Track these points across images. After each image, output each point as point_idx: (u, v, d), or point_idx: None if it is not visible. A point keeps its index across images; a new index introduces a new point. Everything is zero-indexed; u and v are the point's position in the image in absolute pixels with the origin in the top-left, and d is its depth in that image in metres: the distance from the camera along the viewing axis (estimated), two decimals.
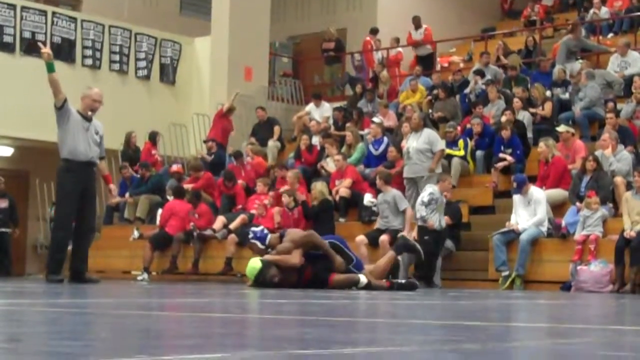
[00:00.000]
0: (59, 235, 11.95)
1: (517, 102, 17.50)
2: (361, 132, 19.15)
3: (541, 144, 15.21)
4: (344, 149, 17.97)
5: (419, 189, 15.43)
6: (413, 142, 15.60)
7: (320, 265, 11.36)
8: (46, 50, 11.77)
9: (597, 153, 14.79)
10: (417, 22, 23.27)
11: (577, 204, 14.13)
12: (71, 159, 11.70)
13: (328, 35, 24.26)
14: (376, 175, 16.15)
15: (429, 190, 14.03)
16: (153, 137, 20.13)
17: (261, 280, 11.29)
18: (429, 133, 15.77)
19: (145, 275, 16.37)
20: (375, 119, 18.76)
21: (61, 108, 11.90)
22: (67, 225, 11.81)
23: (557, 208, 14.74)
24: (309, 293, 9.80)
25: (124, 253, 18.15)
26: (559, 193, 14.89)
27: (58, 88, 11.80)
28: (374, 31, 23.87)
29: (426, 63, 22.76)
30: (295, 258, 11.26)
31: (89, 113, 11.84)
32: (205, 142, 20.61)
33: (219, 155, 19.65)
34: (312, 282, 11.33)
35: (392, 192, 15.09)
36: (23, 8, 20.55)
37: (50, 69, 11.65)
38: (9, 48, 20.22)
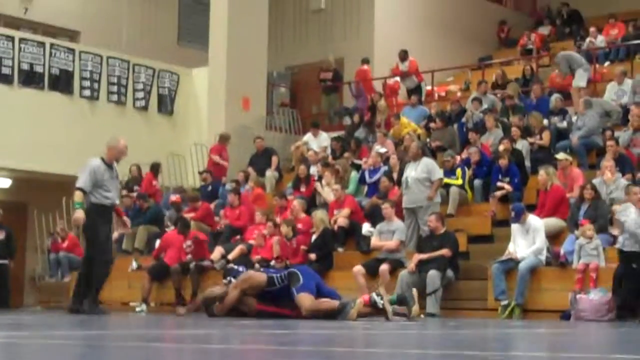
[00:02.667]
0: (101, 272, 12.95)
1: (515, 131, 17.53)
2: (358, 161, 19.18)
3: (542, 172, 15.19)
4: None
5: (418, 218, 15.46)
6: (411, 172, 15.62)
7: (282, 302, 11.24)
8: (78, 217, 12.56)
9: (595, 181, 14.80)
10: (402, 56, 23.28)
11: (576, 232, 14.13)
12: (102, 204, 12.65)
13: (326, 64, 24.31)
14: (372, 206, 16.23)
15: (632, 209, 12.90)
16: (155, 168, 20.11)
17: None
18: (427, 162, 15.79)
19: (144, 307, 16.32)
20: (379, 149, 18.82)
21: (88, 192, 12.68)
22: (106, 262, 12.98)
23: (554, 237, 14.73)
24: (308, 323, 9.78)
25: (122, 284, 18.09)
26: (556, 222, 14.88)
27: (82, 199, 12.62)
28: (366, 61, 23.93)
29: (415, 95, 22.72)
30: (230, 294, 11.41)
31: (115, 163, 12.92)
32: (200, 173, 20.66)
33: (214, 187, 19.68)
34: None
35: (397, 223, 15.18)
36: (21, 40, 20.64)
37: (81, 205, 12.58)
38: (7, 79, 20.28)
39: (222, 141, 20.76)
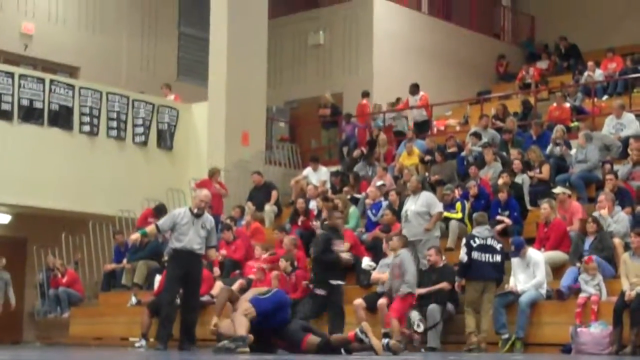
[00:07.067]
0: (165, 311, 14.21)
1: (517, 164, 17.52)
2: (358, 196, 19.18)
3: (545, 205, 15.16)
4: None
5: (417, 252, 15.42)
6: (411, 205, 15.62)
7: (289, 329, 11.33)
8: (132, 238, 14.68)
9: (596, 214, 14.79)
10: (413, 90, 23.37)
11: (578, 264, 14.10)
12: (174, 247, 13.80)
13: (323, 102, 24.37)
14: (373, 240, 16.22)
15: None
16: (159, 210, 19.58)
17: None
18: (427, 196, 15.80)
19: (143, 342, 16.22)
20: (378, 182, 18.83)
21: (161, 231, 14.53)
22: (172, 302, 14.08)
23: (557, 270, 14.71)
24: (308, 357, 9.75)
25: (121, 319, 18.04)
26: (559, 255, 14.87)
27: (152, 233, 14.60)
28: (366, 94, 24.04)
29: (422, 128, 22.84)
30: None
31: (196, 210, 13.78)
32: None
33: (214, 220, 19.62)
34: (288, 348, 11.32)
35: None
36: (21, 76, 20.66)
37: (144, 234, 14.58)
38: (7, 116, 20.26)
39: (210, 176, 20.55)
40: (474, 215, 15.38)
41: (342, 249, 14.17)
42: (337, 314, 14.08)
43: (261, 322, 11.15)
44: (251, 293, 11.71)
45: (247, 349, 10.77)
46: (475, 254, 14.13)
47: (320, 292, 14.09)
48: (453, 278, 14.58)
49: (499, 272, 14.25)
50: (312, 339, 11.12)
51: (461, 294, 14.61)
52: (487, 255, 14.12)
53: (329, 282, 14.04)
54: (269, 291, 11.64)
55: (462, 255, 14.24)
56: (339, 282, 14.22)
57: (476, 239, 14.24)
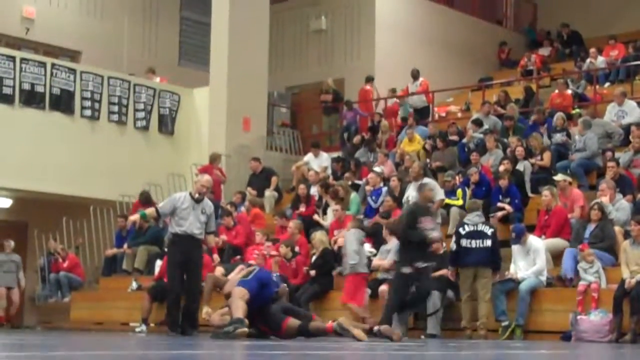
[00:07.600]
0: (171, 298, 14.09)
1: (520, 151, 17.49)
2: (358, 182, 19.16)
3: (546, 192, 15.16)
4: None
5: None
6: (413, 192, 15.60)
7: (271, 311, 11.49)
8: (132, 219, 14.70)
9: (598, 201, 14.76)
10: (414, 74, 23.37)
11: (577, 253, 14.09)
12: (175, 232, 13.74)
13: (325, 87, 24.34)
14: (374, 225, 16.19)
15: None
16: (145, 199, 19.45)
17: None
18: (429, 183, 15.79)
19: (144, 327, 16.25)
20: (376, 169, 18.81)
21: (161, 215, 14.37)
22: (176, 288, 13.89)
23: (558, 257, 14.71)
24: (305, 344, 9.76)
25: (122, 304, 18.07)
26: (560, 243, 14.87)
27: (152, 215, 14.41)
28: (370, 79, 24.00)
29: (422, 114, 22.82)
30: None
31: (197, 195, 13.74)
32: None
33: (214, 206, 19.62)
34: (269, 331, 11.52)
35: (395, 242, 15.15)
36: (22, 60, 20.64)
37: (144, 216, 14.52)
38: (8, 99, 20.26)
39: (211, 161, 20.55)
40: (468, 202, 15.42)
41: (430, 227, 12.89)
42: (420, 298, 13.22)
43: (251, 301, 11.25)
44: (236, 279, 11.85)
45: (246, 330, 10.82)
46: (463, 242, 14.29)
47: (406, 270, 12.87)
48: None
49: (493, 257, 14.29)
50: (292, 322, 11.26)
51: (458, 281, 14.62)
52: (476, 241, 14.24)
53: (413, 264, 12.81)
54: (252, 271, 11.84)
55: (452, 244, 14.42)
56: (425, 265, 12.87)
57: (465, 226, 14.41)
